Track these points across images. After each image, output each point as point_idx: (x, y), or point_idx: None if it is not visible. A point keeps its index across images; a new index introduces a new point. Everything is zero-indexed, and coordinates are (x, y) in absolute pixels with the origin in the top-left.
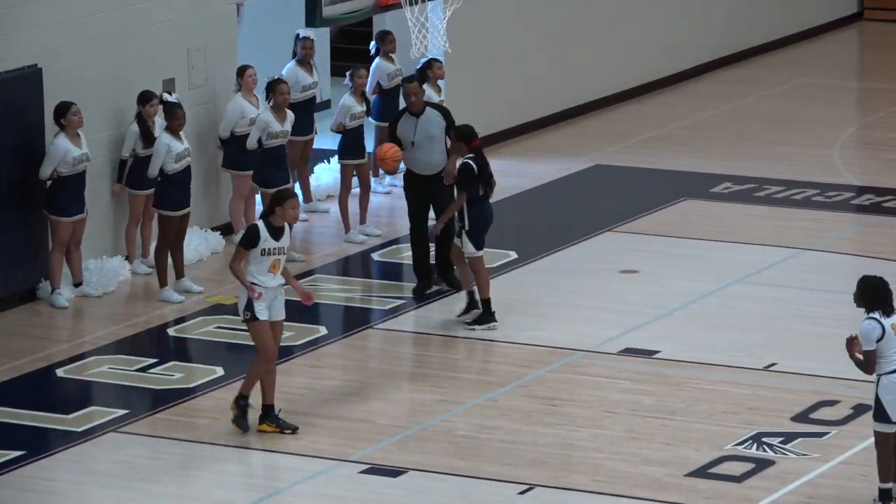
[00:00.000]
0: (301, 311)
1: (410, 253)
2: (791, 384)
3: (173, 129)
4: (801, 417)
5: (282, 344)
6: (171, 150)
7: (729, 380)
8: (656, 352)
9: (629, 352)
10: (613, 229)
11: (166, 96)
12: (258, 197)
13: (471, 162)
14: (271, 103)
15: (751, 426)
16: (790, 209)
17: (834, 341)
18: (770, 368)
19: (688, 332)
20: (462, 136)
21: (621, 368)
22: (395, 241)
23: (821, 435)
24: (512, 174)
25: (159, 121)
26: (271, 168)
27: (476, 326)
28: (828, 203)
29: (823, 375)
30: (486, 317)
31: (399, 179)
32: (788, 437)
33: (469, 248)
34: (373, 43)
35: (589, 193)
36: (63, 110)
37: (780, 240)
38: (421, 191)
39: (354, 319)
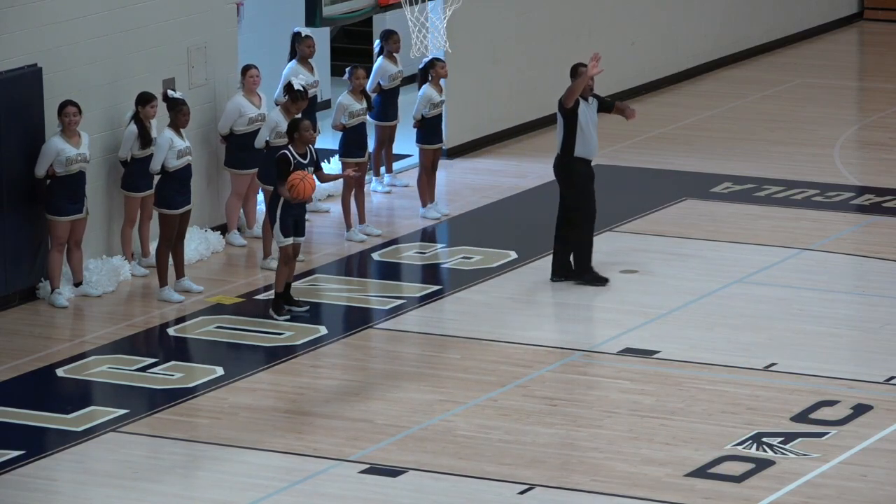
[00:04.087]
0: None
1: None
2: (791, 384)
3: (177, 125)
4: (801, 417)
5: (284, 343)
6: (173, 145)
7: (729, 380)
8: (656, 352)
9: (629, 352)
10: (613, 229)
11: (171, 93)
12: (260, 195)
13: None
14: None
15: (750, 426)
16: (790, 209)
17: (834, 341)
18: (770, 368)
19: (687, 331)
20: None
21: (621, 368)
22: (395, 241)
23: (821, 435)
24: (512, 174)
25: (156, 123)
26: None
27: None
28: (828, 203)
29: (823, 375)
30: None
31: (399, 179)
32: (788, 437)
33: None
34: (377, 42)
35: None
36: (60, 109)
37: (780, 240)
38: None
39: (355, 319)
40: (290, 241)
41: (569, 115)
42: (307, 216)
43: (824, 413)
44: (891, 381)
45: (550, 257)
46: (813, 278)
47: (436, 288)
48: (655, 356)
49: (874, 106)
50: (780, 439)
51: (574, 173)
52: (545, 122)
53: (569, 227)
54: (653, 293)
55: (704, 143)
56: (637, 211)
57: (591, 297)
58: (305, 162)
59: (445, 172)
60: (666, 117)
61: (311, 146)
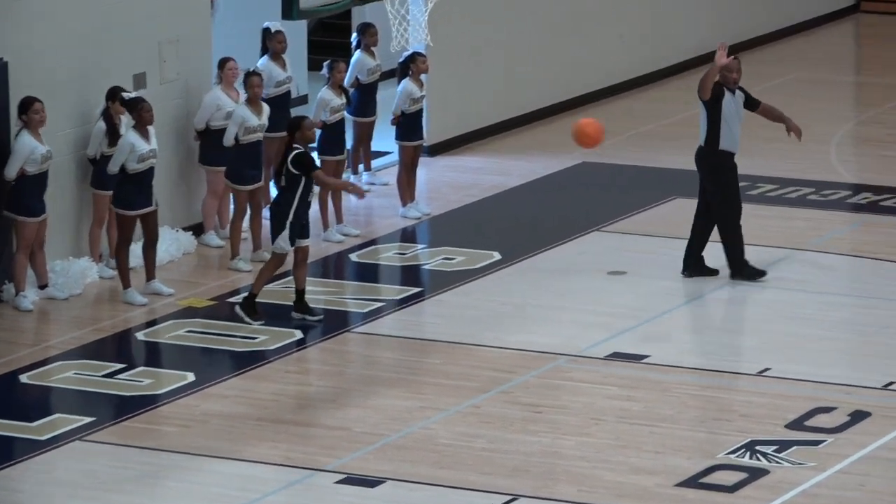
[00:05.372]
0: (275, 315)
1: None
2: (785, 390)
3: (142, 124)
4: (797, 425)
5: (258, 348)
6: (135, 149)
7: (721, 385)
8: (645, 356)
9: (617, 356)
10: (601, 229)
11: (125, 94)
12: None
13: None
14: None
15: (744, 434)
16: (784, 208)
17: (830, 345)
18: (764, 373)
19: (678, 335)
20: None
21: (608, 373)
22: (374, 242)
23: (817, 443)
24: (496, 171)
25: (126, 119)
26: (244, 165)
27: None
28: (823, 202)
29: (819, 381)
30: None
31: (378, 177)
32: (783, 446)
33: None
34: (354, 35)
35: (576, 191)
36: (26, 106)
37: (774, 239)
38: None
39: (331, 323)
40: (291, 248)
41: (711, 106)
42: None
43: (820, 420)
44: (889, 387)
45: (535, 258)
46: (808, 279)
47: (416, 290)
48: (644, 361)
49: (872, 101)
50: (774, 447)
51: (719, 168)
52: (529, 119)
53: (707, 221)
54: (641, 295)
55: (695, 140)
56: (625, 210)
57: (577, 299)
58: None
59: (426, 170)
60: (656, 113)
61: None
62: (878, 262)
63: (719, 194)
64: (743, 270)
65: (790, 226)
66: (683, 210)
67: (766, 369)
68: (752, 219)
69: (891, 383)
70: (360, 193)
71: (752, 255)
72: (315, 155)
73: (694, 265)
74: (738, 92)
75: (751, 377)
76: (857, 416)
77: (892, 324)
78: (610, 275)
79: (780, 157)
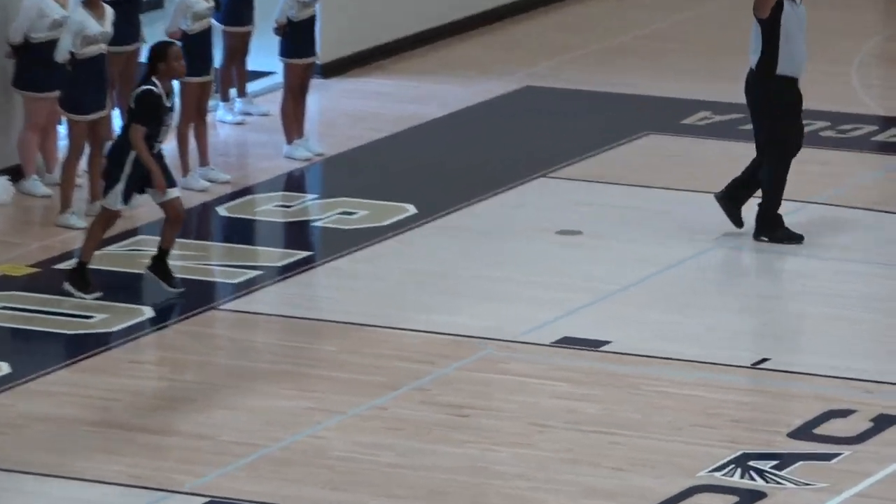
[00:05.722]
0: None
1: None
2: (789, 387)
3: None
4: (803, 433)
5: (93, 331)
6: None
7: (704, 381)
8: (605, 342)
9: (568, 342)
10: (549, 174)
11: None
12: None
13: None
14: None
15: (734, 445)
16: None
17: (849, 329)
18: (761, 366)
19: (648, 314)
20: None
21: (557, 365)
22: (249, 191)
23: (829, 457)
24: (409, 98)
25: None
26: (85, 87)
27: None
28: (842, 140)
29: (833, 375)
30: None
31: (256, 105)
32: (785, 461)
33: None
34: None
35: (516, 125)
36: None
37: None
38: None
39: (192, 297)
40: (124, 206)
41: (769, 25)
42: None
43: (834, 427)
44: None
45: (462, 213)
46: (821, 241)
47: (304, 254)
48: (604, 348)
49: None
50: (773, 463)
51: (777, 97)
52: (456, 30)
53: (759, 167)
54: (601, 262)
55: (673, 58)
56: (582, 150)
57: (515, 267)
58: (169, 105)
59: (319, 96)
60: (623, 22)
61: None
62: None
63: (778, 132)
64: (775, 230)
65: (799, 171)
66: (659, 149)
67: (764, 360)
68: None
69: None
70: (161, 188)
71: (747, 210)
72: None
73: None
74: None
75: (743, 370)
76: (882, 423)
77: None
78: (559, 235)
79: None
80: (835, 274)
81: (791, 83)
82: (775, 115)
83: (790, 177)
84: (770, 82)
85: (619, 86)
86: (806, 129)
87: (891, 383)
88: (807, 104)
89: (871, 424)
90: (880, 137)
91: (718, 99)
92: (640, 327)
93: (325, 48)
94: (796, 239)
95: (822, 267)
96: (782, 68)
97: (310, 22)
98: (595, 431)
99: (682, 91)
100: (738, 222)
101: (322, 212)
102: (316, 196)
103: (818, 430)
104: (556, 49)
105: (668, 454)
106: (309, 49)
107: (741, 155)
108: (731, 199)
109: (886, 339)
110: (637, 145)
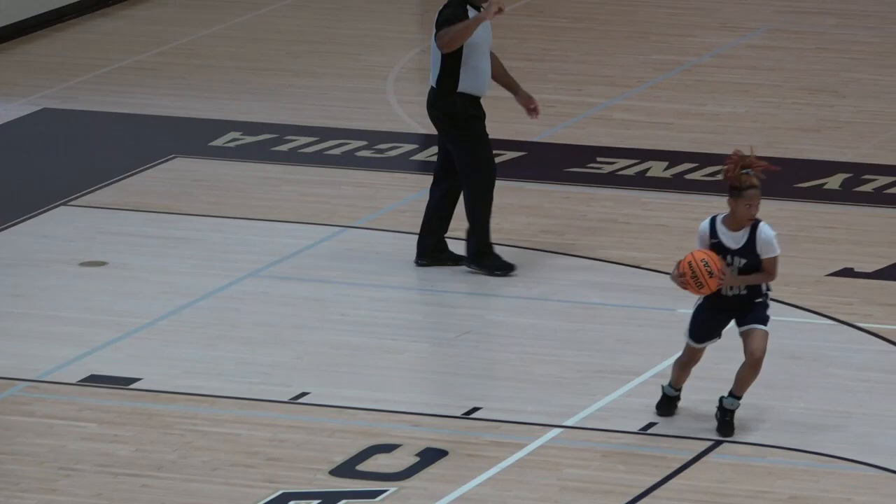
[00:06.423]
0: None
1: None
2: (330, 422)
3: None
4: (346, 470)
5: None
6: None
7: (241, 417)
8: (135, 379)
9: (95, 380)
10: (70, 202)
11: None
12: None
13: None
14: None
15: (273, 484)
16: (327, 169)
17: (391, 358)
18: (300, 400)
19: (180, 349)
20: None
21: (84, 405)
22: None
23: (374, 494)
24: None
25: None
26: None
27: None
28: (379, 160)
29: (377, 409)
30: None
31: None
32: (327, 499)
33: None
34: None
35: (33, 151)
36: None
37: (314, 214)
38: None
39: None
40: None
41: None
42: None
43: (379, 463)
44: (472, 414)
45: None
46: (361, 269)
47: None
48: (134, 386)
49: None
50: (315, 502)
51: (461, 117)
52: None
53: (449, 192)
54: (128, 295)
55: (204, 76)
56: (105, 176)
57: (37, 302)
58: None
59: None
60: (146, 38)
61: None
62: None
63: (469, 155)
64: (486, 259)
65: (337, 194)
66: (186, 174)
67: (303, 394)
68: (284, 185)
69: (474, 409)
70: None
71: (284, 236)
72: None
73: (434, 250)
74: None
75: (282, 405)
76: (429, 457)
77: (471, 327)
78: (83, 266)
79: (318, 99)
80: (374, 302)
81: (475, 101)
82: (468, 136)
83: (325, 199)
84: (455, 100)
85: (144, 107)
86: (341, 150)
87: (437, 415)
88: (339, 124)
89: (418, 459)
90: (420, 156)
91: (248, 118)
92: (172, 363)
93: None
94: (509, 268)
95: (361, 295)
96: (464, 85)
97: None
98: (127, 474)
99: (208, 111)
100: (457, 261)
101: None
102: None
103: (361, 467)
104: (73, 69)
105: (206, 497)
106: None
107: (275, 176)
108: (434, 254)
109: (431, 370)
110: (163, 169)
